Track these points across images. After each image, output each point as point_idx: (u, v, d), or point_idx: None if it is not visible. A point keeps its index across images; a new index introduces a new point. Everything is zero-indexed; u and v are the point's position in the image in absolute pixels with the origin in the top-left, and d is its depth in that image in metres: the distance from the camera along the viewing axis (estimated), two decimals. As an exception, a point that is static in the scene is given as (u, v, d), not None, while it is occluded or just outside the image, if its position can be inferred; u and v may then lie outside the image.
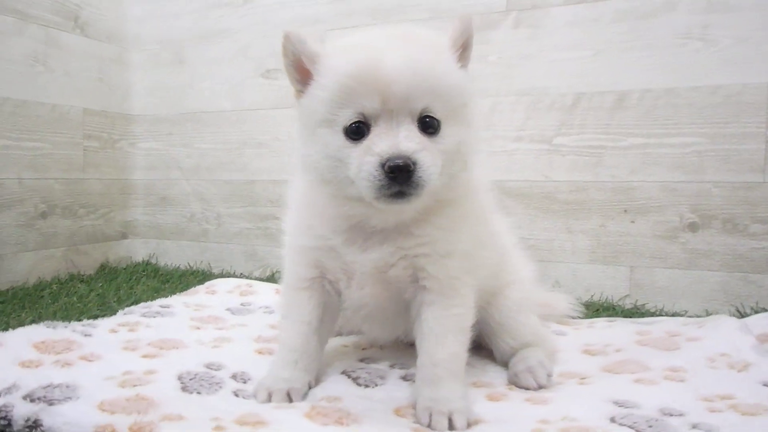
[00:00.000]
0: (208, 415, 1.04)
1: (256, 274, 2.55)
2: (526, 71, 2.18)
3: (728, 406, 1.10)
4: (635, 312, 1.96)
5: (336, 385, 1.24)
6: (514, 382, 1.27)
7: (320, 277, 1.23)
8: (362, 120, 1.01)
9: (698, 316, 1.85)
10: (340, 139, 1.03)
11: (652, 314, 1.93)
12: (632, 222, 2.06)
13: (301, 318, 1.23)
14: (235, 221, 2.64)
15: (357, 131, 1.02)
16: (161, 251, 2.80)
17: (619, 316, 1.86)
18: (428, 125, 1.03)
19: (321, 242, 1.18)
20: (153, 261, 2.78)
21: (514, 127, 2.20)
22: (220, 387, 1.20)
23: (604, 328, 1.68)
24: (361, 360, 1.39)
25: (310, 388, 1.22)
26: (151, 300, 1.92)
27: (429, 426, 1.06)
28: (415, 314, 1.19)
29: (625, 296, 2.07)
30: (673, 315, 1.91)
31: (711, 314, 1.89)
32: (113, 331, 1.53)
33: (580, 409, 1.09)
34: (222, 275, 2.46)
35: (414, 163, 0.97)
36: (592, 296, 2.09)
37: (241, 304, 1.92)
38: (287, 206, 1.36)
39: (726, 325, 1.53)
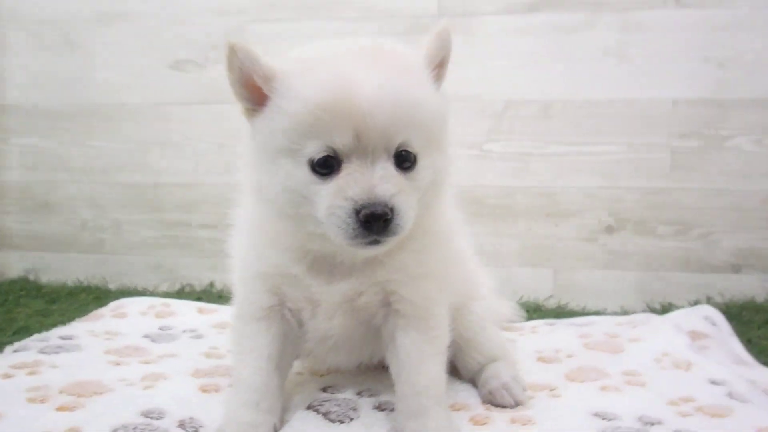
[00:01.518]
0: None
1: (163, 288, 2.33)
2: (457, 77, 2.13)
3: (694, 409, 1.16)
4: (560, 312, 2.05)
5: (305, 425, 1.11)
6: (490, 401, 1.25)
7: (279, 306, 1.11)
8: (331, 154, 0.90)
9: (616, 314, 1.97)
10: (305, 172, 0.91)
11: (576, 314, 2.03)
12: (556, 225, 2.15)
13: (259, 352, 1.10)
14: (136, 229, 2.39)
15: (326, 166, 0.90)
16: (43, 265, 2.46)
17: (548, 317, 1.93)
18: (405, 159, 0.93)
19: (280, 270, 1.07)
20: (32, 277, 2.43)
21: (442, 131, 2.19)
22: None
23: (547, 333, 1.73)
24: (324, 390, 1.28)
25: (276, 431, 1.11)
26: (41, 327, 1.64)
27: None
28: (387, 340, 1.12)
29: (550, 297, 2.16)
30: (595, 313, 2.02)
31: (627, 311, 2.03)
32: (7, 376, 1.26)
33: (568, 428, 1.09)
34: (121, 292, 2.21)
35: (391, 210, 0.88)
36: (520, 298, 2.15)
37: (160, 329, 1.70)
38: (233, 226, 1.23)
39: (659, 325, 1.64)
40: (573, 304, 2.13)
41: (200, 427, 1.10)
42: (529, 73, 2.13)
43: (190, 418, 1.12)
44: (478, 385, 1.30)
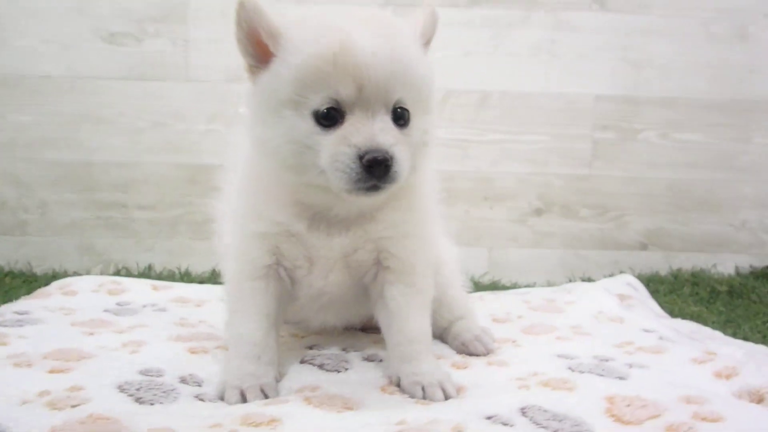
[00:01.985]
0: (204, 423, 0.92)
1: (96, 272, 2.22)
2: None
3: (636, 349, 1.33)
4: (494, 287, 2.20)
5: (304, 375, 1.16)
6: (463, 351, 1.35)
7: (276, 265, 1.15)
8: (335, 106, 0.96)
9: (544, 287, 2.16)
10: (309, 123, 0.97)
11: (508, 288, 2.20)
12: (491, 208, 2.32)
13: (258, 310, 1.14)
14: (65, 210, 2.26)
15: (329, 117, 0.96)
16: (-46, 247, 2.27)
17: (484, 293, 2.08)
18: (400, 116, 1.00)
19: (280, 228, 1.11)
20: (-58, 261, 2.24)
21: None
22: (177, 394, 1.03)
23: (493, 300, 1.86)
24: (310, 348, 1.33)
25: (277, 381, 1.15)
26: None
27: (425, 398, 1.08)
28: (376, 296, 1.19)
29: (485, 273, 2.32)
30: (526, 286, 2.20)
31: (553, 284, 2.23)
32: None
33: (541, 366, 1.21)
34: (52, 276, 2.09)
35: (391, 157, 0.94)
36: (459, 275, 2.29)
37: (118, 304, 1.65)
38: (226, 190, 1.26)
39: (589, 290, 1.83)
40: (505, 280, 2.30)
41: (201, 382, 1.11)
42: (469, 64, 2.28)
43: (190, 374, 1.12)
44: (448, 340, 1.40)
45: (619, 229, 2.34)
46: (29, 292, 1.83)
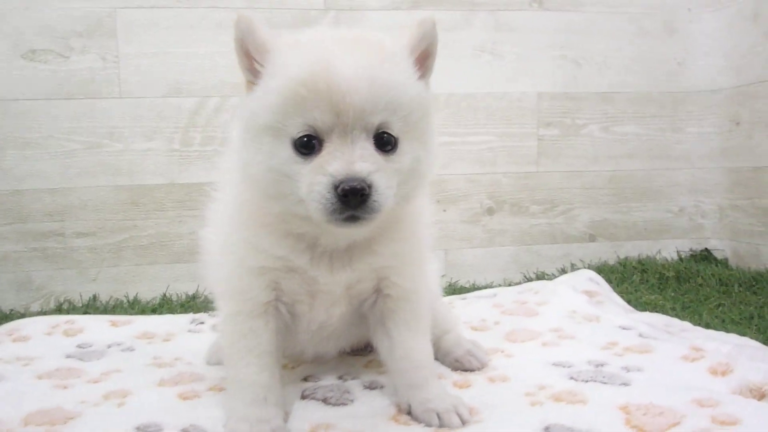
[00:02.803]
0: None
1: (35, 308, 2.05)
2: None
3: (623, 350, 1.39)
4: (453, 289, 2.23)
5: (310, 412, 1.12)
6: (458, 367, 1.35)
7: (275, 301, 1.10)
8: (313, 134, 0.93)
9: (500, 285, 2.21)
10: (288, 151, 0.93)
11: (466, 289, 2.23)
12: (444, 211, 2.33)
13: (261, 349, 1.09)
14: (-6, 243, 2.06)
15: (307, 145, 0.92)
16: None
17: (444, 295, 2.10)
18: (385, 142, 0.95)
19: (280, 263, 1.06)
20: None
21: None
22: None
23: (464, 306, 1.88)
24: (305, 380, 1.28)
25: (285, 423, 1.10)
26: None
27: (441, 425, 1.08)
28: (375, 323, 1.17)
29: (443, 276, 2.33)
30: (485, 287, 2.24)
31: (509, 282, 2.28)
32: None
33: (542, 377, 1.24)
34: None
35: (369, 186, 0.90)
36: (421, 280, 2.30)
37: (78, 347, 1.52)
38: (213, 219, 1.19)
39: (556, 288, 1.88)
40: (463, 281, 2.34)
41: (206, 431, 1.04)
42: (415, 68, 2.27)
43: (191, 425, 1.05)
44: (439, 356, 1.39)
45: (568, 222, 2.43)
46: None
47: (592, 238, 2.45)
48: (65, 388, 1.23)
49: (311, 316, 1.13)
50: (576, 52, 2.36)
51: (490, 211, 2.37)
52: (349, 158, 0.90)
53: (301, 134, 0.92)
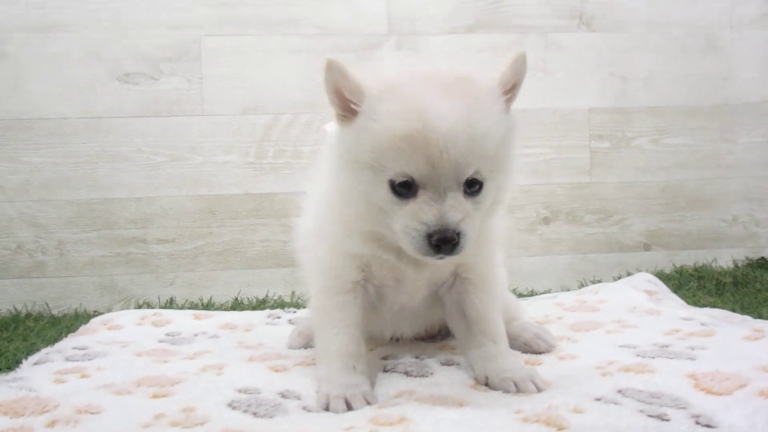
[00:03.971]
0: (338, 426, 0.96)
1: (117, 309, 2.20)
2: None
3: (687, 335, 1.43)
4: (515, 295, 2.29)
5: (395, 382, 1.20)
6: (526, 350, 1.42)
7: (364, 281, 1.21)
8: (410, 180, 1.00)
9: (558, 292, 2.27)
10: (385, 190, 1.02)
11: (525, 296, 2.29)
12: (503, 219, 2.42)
13: (350, 321, 1.19)
14: (84, 249, 2.24)
15: (404, 188, 1.01)
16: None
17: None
18: (472, 185, 1.03)
19: (372, 251, 1.17)
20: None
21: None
22: (285, 408, 1.06)
23: (527, 305, 1.94)
24: (385, 359, 1.37)
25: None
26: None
27: (519, 392, 1.15)
28: (451, 304, 1.27)
29: (501, 284, 2.41)
30: (543, 293, 2.31)
31: (565, 289, 2.34)
32: (59, 381, 1.19)
33: (611, 356, 1.29)
34: (70, 317, 2.06)
35: (458, 234, 1.00)
36: (479, 286, 2.38)
37: (168, 335, 1.65)
38: (308, 209, 1.30)
39: (617, 288, 1.95)
40: (521, 288, 2.40)
41: (300, 395, 1.13)
42: (471, 86, 2.40)
43: (286, 390, 1.15)
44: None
45: (622, 231, 2.48)
46: (56, 333, 1.80)
47: (647, 247, 2.49)
48: (165, 362, 1.35)
49: (394, 298, 1.23)
50: (623, 69, 2.46)
51: (546, 221, 2.45)
52: (442, 209, 0.99)
53: (399, 180, 1.01)
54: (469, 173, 1.01)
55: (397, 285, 1.21)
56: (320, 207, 1.23)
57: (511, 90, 1.10)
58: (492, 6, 2.41)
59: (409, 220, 1.00)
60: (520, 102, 2.39)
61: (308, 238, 1.27)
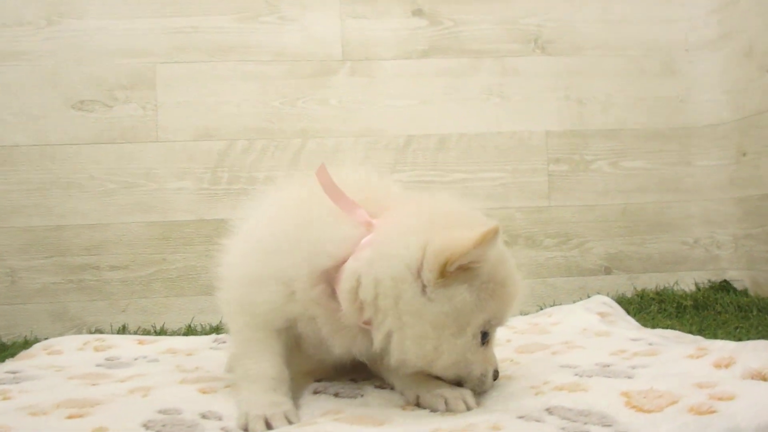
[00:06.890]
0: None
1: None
2: (364, 115, 2.41)
3: (632, 355, 1.41)
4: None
5: (322, 403, 1.17)
6: None
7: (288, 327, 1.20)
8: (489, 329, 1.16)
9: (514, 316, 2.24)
10: (469, 339, 1.12)
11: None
12: (461, 244, 2.40)
13: (272, 351, 1.17)
14: (36, 276, 2.19)
15: (484, 338, 1.15)
16: None
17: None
18: None
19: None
20: None
21: (355, 164, 2.37)
22: (203, 428, 1.03)
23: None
24: (317, 381, 1.32)
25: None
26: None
27: (448, 410, 1.12)
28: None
29: (461, 309, 2.38)
30: (503, 319, 2.27)
31: (525, 313, 2.31)
32: None
33: (548, 375, 1.26)
34: (19, 344, 2.01)
35: None
36: (438, 312, 2.34)
37: (107, 359, 1.61)
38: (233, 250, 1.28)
39: (570, 310, 1.92)
40: (482, 313, 2.37)
41: (222, 416, 1.10)
42: (427, 110, 2.42)
43: (208, 411, 1.12)
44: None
45: (582, 255, 2.47)
46: (1, 360, 1.75)
47: (607, 271, 2.48)
48: (94, 385, 1.31)
49: (315, 351, 1.23)
50: (580, 93, 2.48)
51: (505, 245, 2.42)
52: (493, 350, 1.21)
53: (484, 330, 1.15)
54: None
55: (319, 344, 1.19)
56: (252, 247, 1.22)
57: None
58: (446, 31, 2.44)
59: (485, 363, 1.18)
60: (476, 126, 2.43)
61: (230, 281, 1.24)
